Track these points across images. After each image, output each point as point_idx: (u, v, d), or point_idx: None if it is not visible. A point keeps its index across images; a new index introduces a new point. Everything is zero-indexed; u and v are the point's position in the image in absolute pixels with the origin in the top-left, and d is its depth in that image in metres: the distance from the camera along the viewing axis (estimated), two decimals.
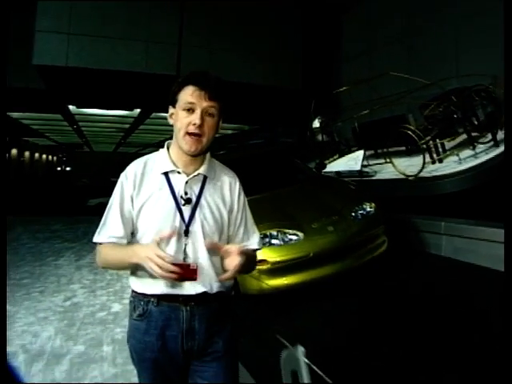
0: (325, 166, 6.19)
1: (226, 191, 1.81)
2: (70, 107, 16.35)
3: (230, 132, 20.73)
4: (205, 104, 1.65)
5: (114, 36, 11.03)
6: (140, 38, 11.26)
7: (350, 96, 9.15)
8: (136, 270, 1.74)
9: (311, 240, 4.62)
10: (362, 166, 6.76)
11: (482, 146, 5.97)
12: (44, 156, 42.56)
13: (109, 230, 1.72)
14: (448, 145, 6.11)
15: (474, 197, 5.51)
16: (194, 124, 1.64)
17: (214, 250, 1.71)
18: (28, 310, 4.96)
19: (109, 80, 11.63)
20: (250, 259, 1.75)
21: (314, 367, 1.60)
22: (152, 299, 1.71)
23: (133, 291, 1.79)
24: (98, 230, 1.74)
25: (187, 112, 1.66)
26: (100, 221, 1.80)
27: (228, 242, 1.80)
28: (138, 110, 16.61)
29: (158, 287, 1.69)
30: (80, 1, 10.66)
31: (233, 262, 1.60)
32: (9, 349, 3.80)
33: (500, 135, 5.93)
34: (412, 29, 10.13)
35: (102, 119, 19.73)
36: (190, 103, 1.65)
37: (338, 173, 7.02)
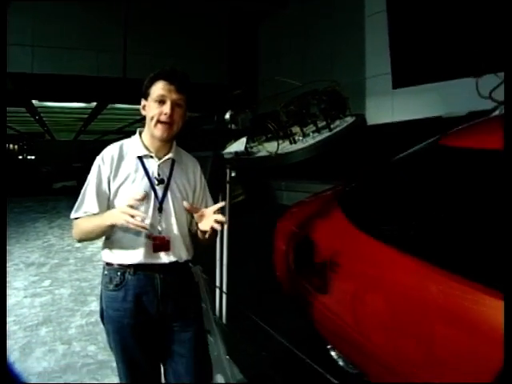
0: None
1: (190, 174, 2.00)
2: (33, 101, 18.48)
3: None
4: (174, 96, 1.81)
5: (71, 47, 13.37)
6: (92, 48, 13.64)
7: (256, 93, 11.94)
8: (112, 244, 1.88)
9: None
10: (247, 147, 9.52)
11: (324, 130, 8.74)
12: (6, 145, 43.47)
13: (85, 207, 1.85)
14: (306, 130, 8.87)
15: (309, 164, 8.30)
16: (166, 114, 1.80)
17: (181, 224, 1.92)
18: (20, 248, 7.63)
19: (67, 82, 14.00)
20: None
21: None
22: (128, 269, 1.85)
23: (107, 264, 1.92)
24: (75, 207, 1.87)
25: (159, 103, 1.81)
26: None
27: (192, 218, 1.97)
28: (95, 103, 18.80)
29: (136, 257, 1.84)
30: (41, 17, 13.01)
31: (211, 220, 1.78)
32: (12, 263, 6.51)
33: (336, 123, 8.76)
34: (304, 42, 12.92)
35: (63, 110, 21.68)
36: (162, 95, 1.80)
37: (235, 153, 9.73)
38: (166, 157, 1.93)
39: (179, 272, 1.94)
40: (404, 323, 1.91)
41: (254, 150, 9.63)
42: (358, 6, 10.64)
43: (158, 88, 1.82)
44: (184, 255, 1.95)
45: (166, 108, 1.81)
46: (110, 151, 1.91)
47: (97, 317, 4.41)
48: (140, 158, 1.90)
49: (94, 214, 1.84)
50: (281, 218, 3.41)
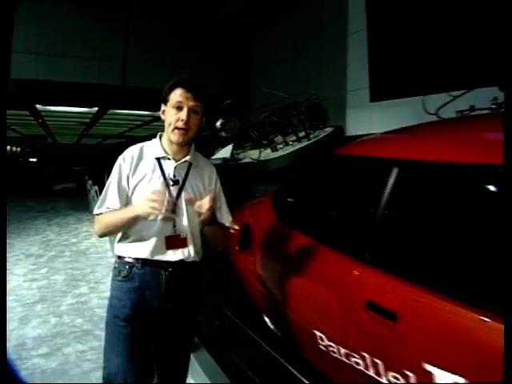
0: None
1: (205, 178, 2.09)
2: (37, 106, 19.22)
3: None
4: (191, 103, 1.91)
5: (73, 55, 14.10)
6: (93, 56, 14.34)
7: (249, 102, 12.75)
8: (125, 238, 2.00)
9: None
10: (232, 154, 10.23)
11: (303, 140, 9.37)
12: (8, 147, 43.73)
13: (108, 202, 1.97)
14: (288, 139, 9.52)
15: (288, 170, 8.90)
16: (182, 120, 1.90)
17: (193, 225, 2.01)
18: (20, 242, 8.32)
19: (69, 89, 14.72)
20: (221, 230, 2.10)
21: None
22: (136, 264, 1.96)
23: (118, 258, 2.03)
24: (98, 204, 2.00)
25: (176, 110, 1.92)
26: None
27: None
28: (96, 108, 19.49)
29: (144, 252, 1.95)
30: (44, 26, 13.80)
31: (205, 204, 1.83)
32: (13, 253, 7.20)
33: (315, 134, 9.41)
34: (294, 55, 13.56)
35: (65, 115, 22.34)
36: (179, 102, 1.91)
37: (223, 159, 10.46)
38: (183, 159, 2.02)
39: (185, 271, 2.02)
40: (301, 289, 2.59)
41: (240, 156, 10.34)
42: (342, 23, 11.33)
43: (176, 95, 1.92)
44: (192, 255, 2.02)
45: (183, 115, 1.90)
46: (131, 151, 2.04)
47: (86, 297, 5.18)
48: (158, 159, 2.01)
49: (116, 210, 1.95)
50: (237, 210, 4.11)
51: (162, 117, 2.00)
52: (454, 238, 1.80)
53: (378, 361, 1.86)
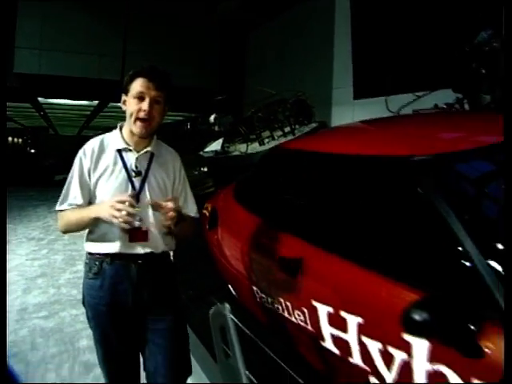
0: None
1: (169, 166, 2.07)
2: (39, 98, 19.83)
3: (181, 118, 24.26)
4: (153, 93, 1.88)
5: (75, 51, 14.73)
6: (94, 52, 15.02)
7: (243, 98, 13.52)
8: (92, 234, 1.98)
9: None
10: (223, 147, 10.86)
11: (289, 135, 9.98)
12: (10, 138, 44.18)
13: (70, 199, 1.96)
14: (275, 134, 10.12)
15: None
16: (144, 110, 1.87)
17: (159, 216, 1.90)
18: (22, 227, 8.97)
19: (71, 83, 15.33)
20: (188, 223, 2.06)
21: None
22: (106, 259, 1.95)
23: (88, 254, 2.03)
24: (60, 200, 1.99)
25: (138, 100, 1.88)
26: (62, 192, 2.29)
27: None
28: (97, 101, 20.10)
29: (113, 247, 1.94)
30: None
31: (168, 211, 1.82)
32: (16, 237, 7.84)
33: (300, 129, 10.01)
34: (285, 53, 14.17)
35: (66, 107, 22.98)
36: (141, 92, 1.87)
37: (215, 151, 11.09)
38: (145, 150, 2.00)
39: (155, 262, 2.01)
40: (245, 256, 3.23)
41: (230, 149, 10.97)
42: (329, 24, 11.95)
43: (138, 85, 1.89)
44: (161, 246, 2.02)
45: (145, 105, 1.88)
46: (91, 144, 2.00)
47: (82, 273, 5.79)
48: (119, 150, 1.98)
49: (79, 206, 1.95)
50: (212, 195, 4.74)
51: (123, 107, 1.99)
52: (348, 216, 2.40)
53: (288, 303, 2.50)
